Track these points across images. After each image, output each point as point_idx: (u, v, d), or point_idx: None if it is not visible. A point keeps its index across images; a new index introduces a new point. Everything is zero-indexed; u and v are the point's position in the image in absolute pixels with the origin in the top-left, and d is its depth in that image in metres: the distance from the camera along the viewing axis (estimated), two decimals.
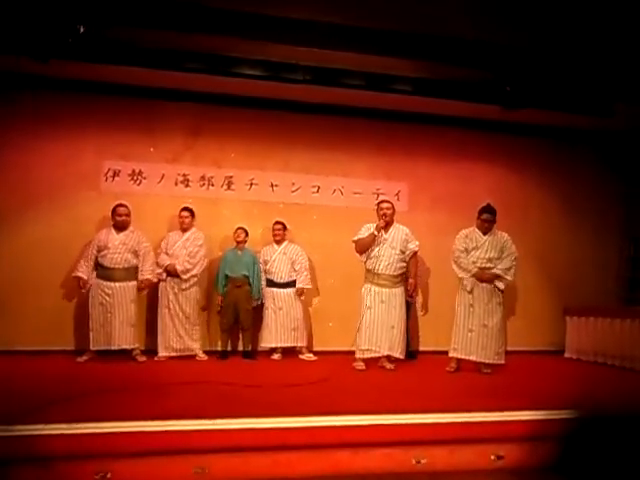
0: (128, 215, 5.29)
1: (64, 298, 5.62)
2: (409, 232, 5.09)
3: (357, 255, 5.12)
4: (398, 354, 4.97)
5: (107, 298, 5.12)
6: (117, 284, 5.16)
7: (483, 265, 4.96)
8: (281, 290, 5.71)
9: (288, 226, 5.94)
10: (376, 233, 4.93)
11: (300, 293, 5.77)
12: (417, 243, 5.07)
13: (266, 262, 5.78)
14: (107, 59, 5.06)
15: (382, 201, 5.20)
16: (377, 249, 4.95)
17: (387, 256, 4.96)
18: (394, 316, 4.95)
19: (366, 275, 5.08)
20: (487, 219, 5.04)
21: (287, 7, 4.64)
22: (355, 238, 5.08)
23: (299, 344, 5.72)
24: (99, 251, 5.17)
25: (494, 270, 4.94)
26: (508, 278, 4.98)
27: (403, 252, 5.01)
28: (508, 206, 6.83)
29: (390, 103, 6.11)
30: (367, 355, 4.96)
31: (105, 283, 5.14)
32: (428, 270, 6.34)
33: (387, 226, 5.02)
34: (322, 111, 6.34)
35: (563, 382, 4.76)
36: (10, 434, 2.60)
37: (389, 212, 5.01)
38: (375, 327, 4.93)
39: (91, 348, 5.09)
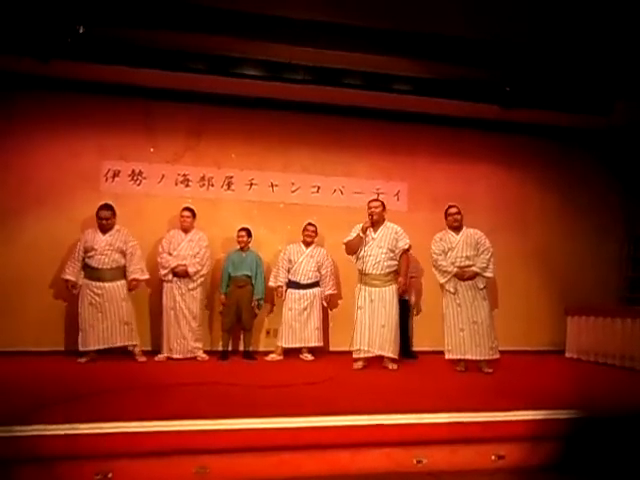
0: (110, 218, 5.22)
1: (65, 298, 5.62)
2: (400, 230, 5.07)
3: (348, 256, 5.14)
4: (390, 353, 4.94)
5: (97, 298, 5.10)
6: (107, 284, 5.13)
7: (462, 264, 4.99)
8: (306, 291, 5.71)
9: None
10: (362, 234, 4.93)
11: (327, 299, 5.81)
12: (408, 241, 5.05)
13: (291, 262, 5.77)
14: (107, 59, 5.07)
15: (371, 200, 5.20)
16: (364, 249, 4.95)
17: (374, 255, 4.95)
18: (384, 315, 4.93)
19: (358, 276, 5.08)
20: (454, 212, 5.10)
21: (287, 7, 4.65)
22: (345, 240, 5.09)
23: (319, 343, 5.72)
24: (86, 252, 5.14)
25: (473, 268, 4.97)
26: (487, 275, 5.01)
27: (392, 251, 5.00)
28: (508, 206, 6.87)
29: (390, 103, 6.12)
30: (360, 355, 4.96)
31: (94, 283, 5.12)
32: (422, 269, 6.30)
33: (376, 225, 5.02)
34: (322, 111, 6.35)
35: (564, 382, 4.75)
36: (11, 434, 2.59)
37: (377, 211, 5.01)
38: (365, 327, 4.92)
39: (80, 349, 5.05)
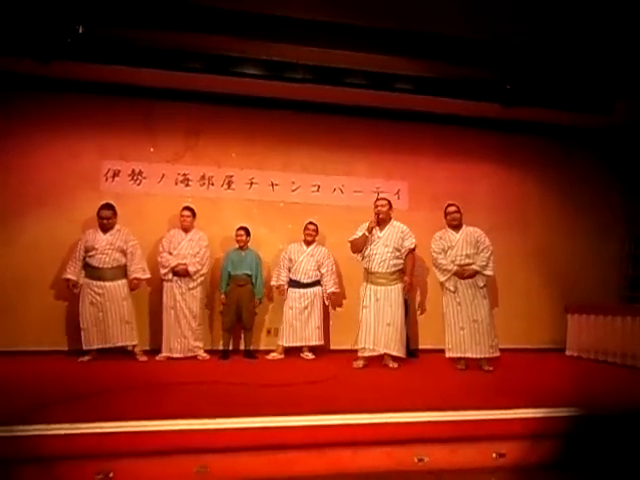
0: (111, 218, 5.24)
1: (66, 298, 5.62)
2: (407, 230, 5.08)
3: (353, 255, 5.15)
4: (395, 352, 4.95)
5: (98, 297, 5.11)
6: (107, 283, 5.15)
7: (462, 262, 4.99)
8: (307, 290, 5.72)
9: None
10: (367, 233, 4.95)
11: (329, 297, 5.82)
12: (414, 241, 5.07)
13: (292, 260, 5.78)
14: (107, 59, 5.07)
15: (377, 199, 5.18)
16: (370, 247, 4.96)
17: (380, 254, 4.97)
18: (389, 313, 4.94)
19: (364, 274, 5.10)
20: (453, 211, 5.11)
21: (287, 7, 4.65)
22: (350, 239, 5.11)
23: (320, 342, 5.73)
24: (87, 252, 5.16)
25: (473, 266, 4.97)
26: (487, 274, 5.01)
27: (398, 250, 5.01)
28: (508, 204, 6.87)
29: (390, 102, 6.11)
30: (365, 354, 4.97)
31: (95, 283, 5.13)
32: (427, 269, 6.32)
33: (382, 224, 5.03)
34: (322, 110, 6.35)
35: (564, 380, 4.75)
36: (12, 434, 2.60)
37: (383, 210, 5.03)
38: (371, 325, 4.94)
39: (84, 348, 5.08)
